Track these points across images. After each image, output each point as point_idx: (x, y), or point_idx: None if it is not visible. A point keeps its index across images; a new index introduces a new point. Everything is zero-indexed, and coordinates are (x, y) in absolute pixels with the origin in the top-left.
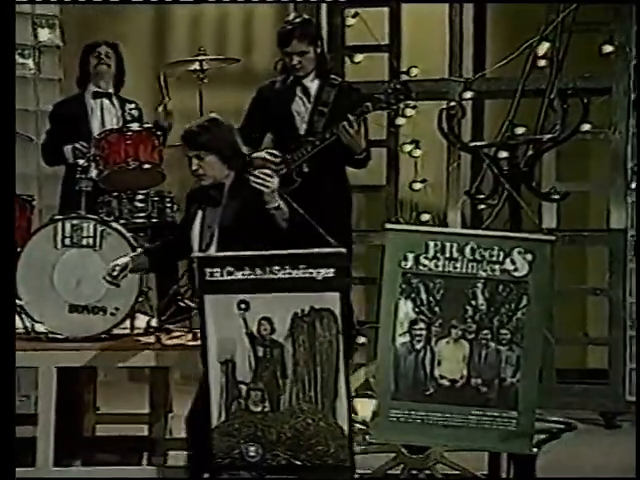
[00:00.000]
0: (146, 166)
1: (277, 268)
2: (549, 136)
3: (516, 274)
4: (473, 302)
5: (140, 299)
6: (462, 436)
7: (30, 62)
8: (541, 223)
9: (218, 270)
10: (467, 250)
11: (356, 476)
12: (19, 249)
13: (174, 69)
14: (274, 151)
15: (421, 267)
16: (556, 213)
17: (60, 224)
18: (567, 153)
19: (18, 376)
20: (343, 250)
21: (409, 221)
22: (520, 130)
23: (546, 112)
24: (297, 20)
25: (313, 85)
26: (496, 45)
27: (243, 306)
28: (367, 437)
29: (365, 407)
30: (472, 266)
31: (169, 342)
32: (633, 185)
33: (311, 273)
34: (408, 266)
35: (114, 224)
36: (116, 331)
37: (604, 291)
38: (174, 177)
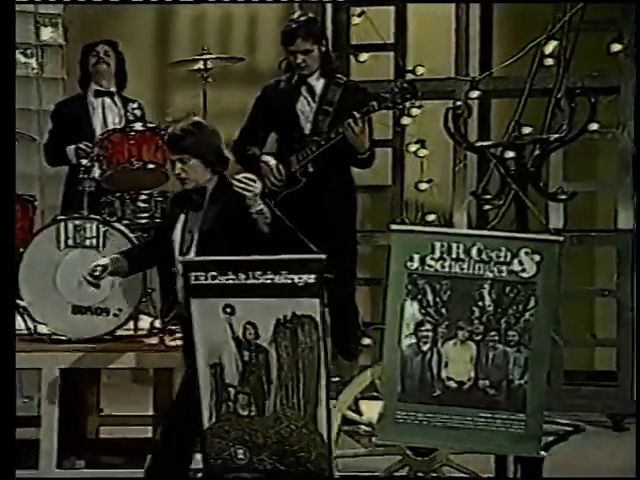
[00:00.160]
0: (150, 166)
1: (259, 273)
2: (556, 136)
3: (524, 275)
4: (480, 303)
5: (144, 300)
6: (470, 438)
7: (33, 61)
8: (548, 223)
9: (203, 274)
10: (474, 251)
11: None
12: (21, 250)
13: (178, 68)
14: (279, 164)
15: (427, 268)
16: (563, 213)
17: (63, 224)
18: (574, 153)
19: (21, 378)
20: (322, 256)
21: (414, 221)
22: (527, 130)
23: (553, 111)
24: (302, 19)
25: (318, 84)
26: (503, 44)
27: (229, 310)
28: (373, 439)
29: (371, 409)
30: (479, 267)
31: (173, 343)
32: None
33: (292, 279)
34: (414, 267)
35: (117, 224)
36: (119, 332)
37: (612, 292)
38: None
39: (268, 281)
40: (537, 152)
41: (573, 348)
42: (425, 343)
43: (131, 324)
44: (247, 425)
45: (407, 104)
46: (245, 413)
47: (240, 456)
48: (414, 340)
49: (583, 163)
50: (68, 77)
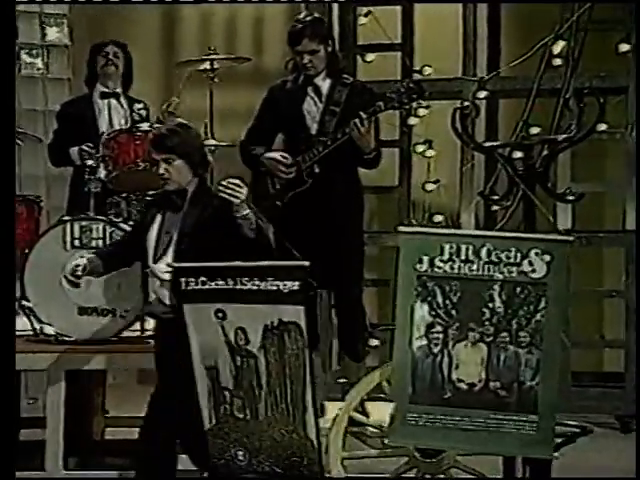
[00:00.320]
0: None
1: (246, 279)
2: (564, 136)
3: (534, 276)
4: (490, 304)
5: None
6: (481, 440)
7: (38, 61)
8: (556, 224)
9: (193, 280)
10: (483, 252)
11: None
12: (27, 250)
13: (184, 68)
14: (285, 154)
15: (436, 270)
16: (571, 214)
17: (69, 225)
18: (582, 153)
19: (26, 379)
20: (306, 263)
21: (422, 222)
22: (535, 130)
23: (561, 112)
24: (308, 19)
25: (324, 84)
26: (510, 44)
27: (220, 315)
28: (385, 441)
29: (379, 410)
30: (488, 268)
31: None
32: None
33: (278, 286)
34: (423, 269)
35: (123, 225)
36: (126, 333)
37: (620, 293)
38: None
39: (255, 287)
40: (545, 152)
41: (581, 349)
42: (436, 345)
43: (137, 325)
44: (244, 428)
45: (414, 104)
46: (241, 416)
47: (240, 457)
48: (425, 342)
49: (591, 163)
50: (74, 77)
